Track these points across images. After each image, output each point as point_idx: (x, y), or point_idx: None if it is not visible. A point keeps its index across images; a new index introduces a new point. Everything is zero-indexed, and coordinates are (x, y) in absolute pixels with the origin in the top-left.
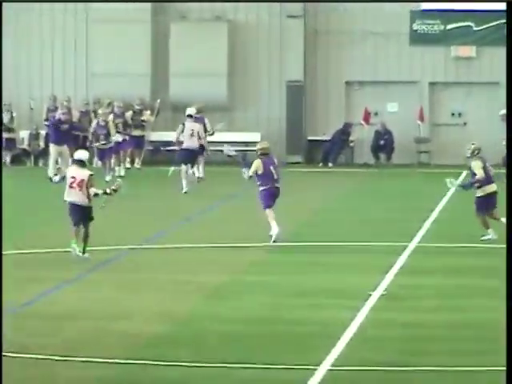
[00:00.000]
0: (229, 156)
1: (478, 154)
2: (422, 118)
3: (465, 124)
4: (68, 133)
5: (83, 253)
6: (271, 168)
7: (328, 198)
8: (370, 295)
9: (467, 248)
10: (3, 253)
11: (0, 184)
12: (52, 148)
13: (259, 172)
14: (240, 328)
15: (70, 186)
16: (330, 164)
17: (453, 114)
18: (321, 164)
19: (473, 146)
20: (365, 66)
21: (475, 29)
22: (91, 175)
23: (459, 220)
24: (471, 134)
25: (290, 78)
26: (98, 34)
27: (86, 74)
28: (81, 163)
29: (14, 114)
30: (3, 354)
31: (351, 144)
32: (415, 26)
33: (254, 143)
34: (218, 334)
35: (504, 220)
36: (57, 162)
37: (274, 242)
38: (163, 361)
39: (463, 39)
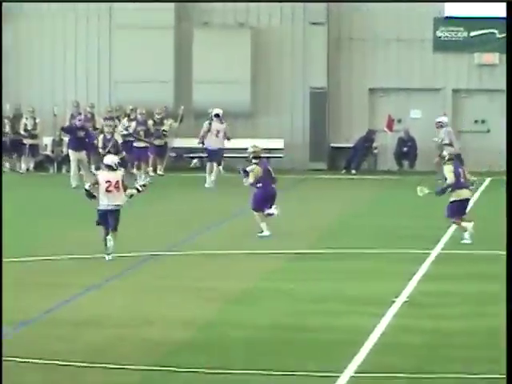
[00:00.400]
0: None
1: (450, 159)
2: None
3: (488, 131)
4: (85, 139)
5: (110, 252)
6: (269, 168)
7: (351, 205)
8: (393, 302)
9: (491, 254)
10: (26, 259)
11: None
12: (71, 154)
13: (259, 175)
14: (262, 335)
15: (107, 191)
16: (353, 171)
17: (476, 121)
18: (344, 171)
19: (447, 153)
20: (388, 73)
21: (499, 36)
22: (123, 175)
23: (483, 227)
24: (494, 141)
25: (314, 85)
26: (121, 40)
27: (110, 81)
28: (110, 168)
29: (38, 120)
30: (26, 360)
31: (375, 151)
32: (439, 33)
33: (277, 150)
34: (240, 341)
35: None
36: (79, 169)
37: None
38: (185, 367)
39: (487, 46)
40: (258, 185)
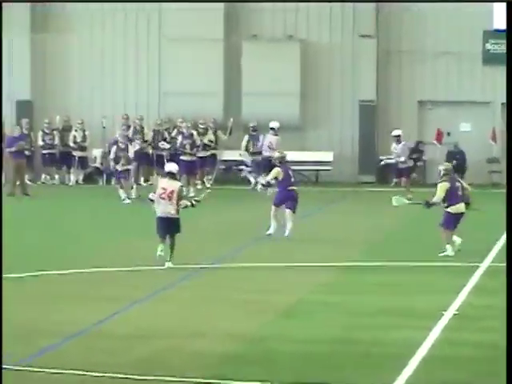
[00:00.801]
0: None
1: (447, 174)
2: (494, 139)
3: None
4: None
5: (169, 260)
6: (289, 172)
7: (400, 218)
8: (443, 315)
9: None
10: (76, 271)
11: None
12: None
13: (280, 178)
14: (312, 348)
15: (161, 197)
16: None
17: None
18: (393, 183)
19: (442, 168)
20: (437, 86)
21: None
22: (182, 187)
23: None
24: None
25: (363, 98)
26: (170, 53)
27: (159, 93)
28: (172, 175)
29: (87, 133)
30: (75, 372)
31: (420, 163)
32: (488, 46)
33: (326, 163)
34: (290, 354)
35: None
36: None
37: (269, 235)
38: (236, 380)
39: None
40: (281, 190)
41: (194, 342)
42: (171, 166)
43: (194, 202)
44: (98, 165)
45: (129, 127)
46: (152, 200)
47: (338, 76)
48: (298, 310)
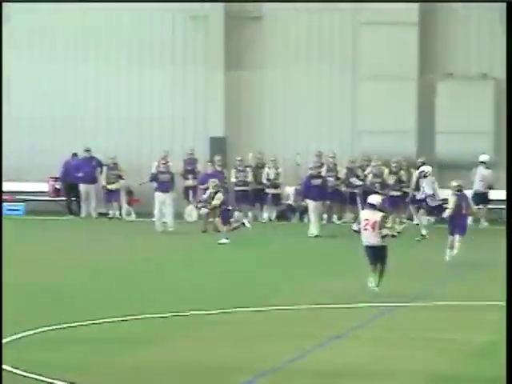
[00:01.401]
0: None
1: None
2: None
3: None
4: (321, 187)
5: (377, 286)
6: (461, 202)
7: None
8: None
9: None
10: (266, 309)
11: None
12: (309, 204)
13: (451, 206)
14: None
15: (364, 228)
16: None
17: None
18: None
19: None
20: None
21: None
22: (384, 216)
23: None
24: None
25: None
26: (364, 91)
27: (352, 130)
28: (373, 206)
29: (280, 170)
30: None
31: None
32: None
33: None
34: None
35: None
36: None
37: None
38: None
39: None
40: (451, 217)
41: (384, 381)
42: (373, 198)
43: (395, 234)
44: (291, 202)
45: (322, 165)
46: (356, 231)
47: None
48: (488, 348)
